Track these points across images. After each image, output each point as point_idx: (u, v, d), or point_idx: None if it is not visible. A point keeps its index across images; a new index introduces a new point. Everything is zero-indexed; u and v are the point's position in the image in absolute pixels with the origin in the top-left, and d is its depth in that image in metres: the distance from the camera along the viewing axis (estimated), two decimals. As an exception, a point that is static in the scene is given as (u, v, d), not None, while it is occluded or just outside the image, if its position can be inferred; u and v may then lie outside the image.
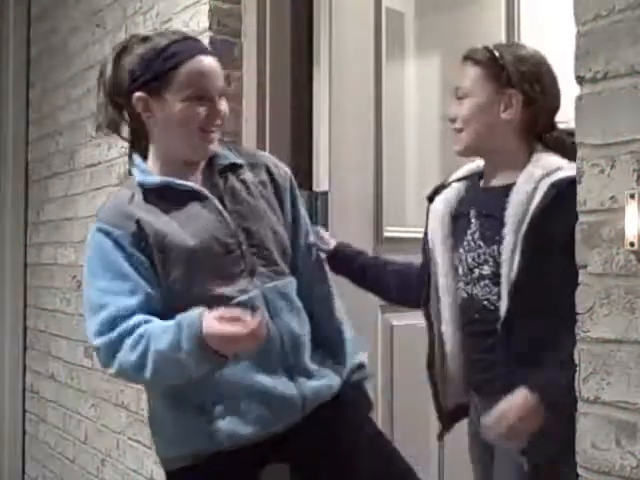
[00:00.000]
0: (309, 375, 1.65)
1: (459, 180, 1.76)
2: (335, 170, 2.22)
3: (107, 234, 1.56)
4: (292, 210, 1.74)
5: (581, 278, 1.17)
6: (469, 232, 1.64)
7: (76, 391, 3.04)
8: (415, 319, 2.45)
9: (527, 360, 1.49)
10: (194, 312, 1.47)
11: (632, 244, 1.08)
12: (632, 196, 1.08)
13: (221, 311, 1.45)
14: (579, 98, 1.18)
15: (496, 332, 1.55)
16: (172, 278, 1.57)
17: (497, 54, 1.62)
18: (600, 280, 1.14)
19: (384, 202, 2.35)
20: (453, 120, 1.67)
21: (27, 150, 3.63)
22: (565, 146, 1.56)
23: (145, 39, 1.64)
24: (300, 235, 1.76)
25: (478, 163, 1.75)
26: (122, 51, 1.64)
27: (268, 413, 1.58)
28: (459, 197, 1.73)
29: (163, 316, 1.54)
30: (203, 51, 1.64)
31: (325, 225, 2.18)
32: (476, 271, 1.61)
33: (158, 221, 1.58)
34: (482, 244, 1.61)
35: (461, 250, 1.65)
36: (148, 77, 1.59)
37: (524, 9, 2.73)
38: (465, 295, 1.64)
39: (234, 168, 1.69)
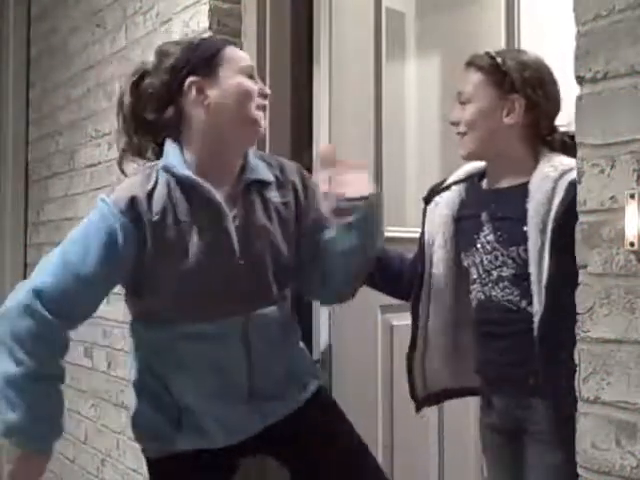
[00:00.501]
0: (273, 398, 1.67)
1: (458, 182, 1.77)
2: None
3: (112, 215, 1.52)
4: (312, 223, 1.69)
5: (581, 278, 1.17)
6: (482, 235, 1.65)
7: (76, 391, 3.04)
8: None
9: (559, 359, 1.50)
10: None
11: (632, 244, 1.08)
12: (632, 196, 1.08)
13: None
14: (579, 98, 1.18)
15: (517, 333, 1.56)
16: (162, 280, 1.55)
17: (500, 60, 1.64)
18: (600, 280, 1.14)
19: (384, 202, 2.34)
20: (456, 124, 1.68)
21: (27, 150, 3.63)
22: (567, 147, 1.58)
23: (177, 42, 1.68)
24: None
25: (475, 165, 1.76)
26: (147, 70, 1.63)
27: (226, 435, 1.63)
28: (460, 199, 1.74)
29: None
30: (232, 44, 1.67)
31: (325, 225, 2.18)
32: (494, 273, 1.62)
33: (171, 220, 1.54)
34: (498, 246, 1.62)
35: (474, 253, 1.66)
36: (198, 59, 1.58)
37: (524, 9, 2.73)
38: (482, 297, 1.65)
39: (261, 185, 1.65)
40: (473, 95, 1.65)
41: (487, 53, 1.68)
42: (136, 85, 1.62)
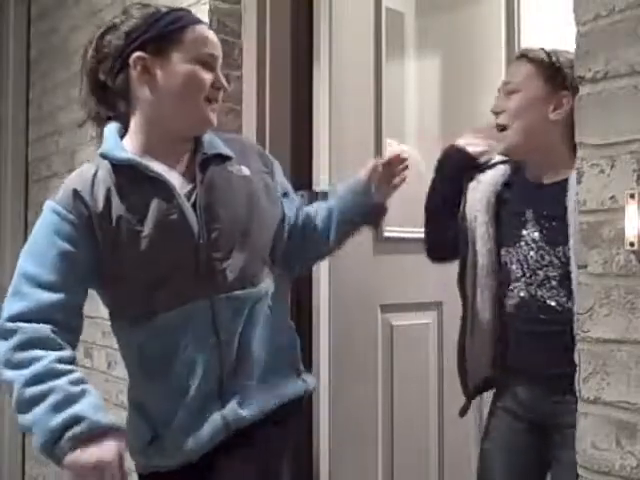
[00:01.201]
0: (243, 398, 1.50)
1: (504, 162, 1.77)
2: (335, 170, 2.22)
3: (57, 214, 1.45)
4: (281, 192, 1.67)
5: (581, 278, 1.17)
6: (526, 232, 1.65)
7: (76, 391, 3.04)
8: (415, 319, 2.46)
9: None
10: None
11: (632, 244, 1.08)
12: (632, 196, 1.08)
13: None
14: (579, 98, 1.18)
15: (559, 332, 1.53)
16: (118, 269, 1.47)
17: (554, 57, 1.65)
18: (600, 280, 1.14)
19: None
20: (498, 113, 1.68)
21: (27, 150, 3.62)
22: None
23: (145, 5, 1.54)
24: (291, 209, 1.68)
25: None
26: (114, 24, 1.52)
27: (199, 447, 1.48)
28: (504, 179, 1.74)
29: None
30: (203, 23, 1.55)
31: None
32: (540, 273, 1.62)
33: (116, 206, 1.45)
34: (544, 245, 1.62)
35: (518, 250, 1.66)
36: (152, 34, 1.47)
37: (524, 9, 2.74)
38: (526, 295, 1.65)
39: (220, 160, 1.55)
40: (522, 85, 1.66)
41: (541, 48, 1.68)
42: (101, 39, 1.52)
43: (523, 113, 1.65)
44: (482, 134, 1.79)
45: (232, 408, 1.49)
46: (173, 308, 1.47)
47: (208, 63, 1.50)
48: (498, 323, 1.73)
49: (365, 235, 2.26)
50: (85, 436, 1.31)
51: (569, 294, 1.57)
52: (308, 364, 2.20)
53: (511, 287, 1.68)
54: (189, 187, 1.51)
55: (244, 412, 1.50)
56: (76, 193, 1.45)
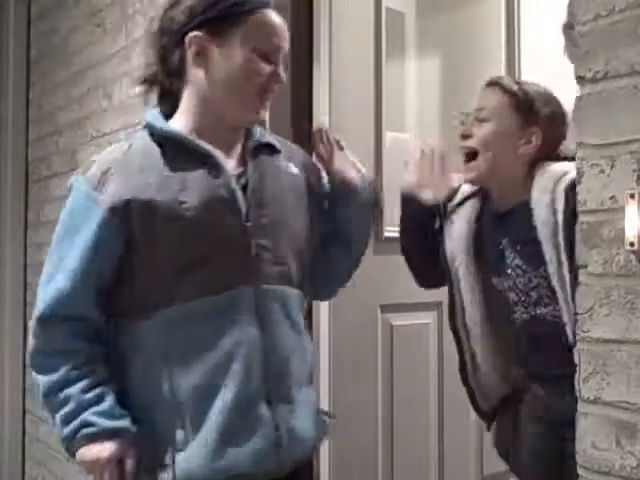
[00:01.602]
0: (291, 405, 1.39)
1: (469, 197, 1.78)
2: (335, 170, 2.22)
3: (86, 195, 1.37)
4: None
5: (581, 278, 1.17)
6: (508, 260, 1.67)
7: (76, 391, 3.04)
8: (415, 319, 2.47)
9: None
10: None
11: (632, 244, 1.08)
12: (632, 196, 1.08)
13: None
14: (579, 98, 1.18)
15: (563, 343, 1.52)
16: (148, 252, 1.35)
17: (527, 90, 1.66)
18: (600, 280, 1.14)
19: (384, 202, 2.34)
20: (466, 137, 1.68)
21: (27, 150, 3.63)
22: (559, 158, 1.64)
23: None
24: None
25: None
26: None
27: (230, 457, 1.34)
28: (476, 214, 1.75)
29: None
30: (273, 8, 1.45)
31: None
32: (533, 294, 1.65)
33: (153, 185, 1.35)
34: (528, 269, 1.64)
35: (507, 279, 1.68)
36: (214, 14, 1.37)
37: (524, 9, 2.74)
38: (528, 317, 1.67)
39: (270, 151, 1.49)
40: (495, 115, 1.67)
41: (514, 80, 1.72)
42: (166, 11, 1.43)
43: (493, 144, 1.66)
44: (429, 166, 1.76)
45: (283, 415, 1.37)
46: (217, 292, 1.35)
47: (269, 54, 1.41)
48: (502, 354, 1.76)
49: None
50: (91, 437, 1.35)
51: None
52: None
53: (513, 311, 1.70)
54: (239, 170, 1.42)
55: (298, 427, 1.38)
56: (109, 171, 1.36)
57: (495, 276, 1.72)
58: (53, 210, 3.34)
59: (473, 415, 2.05)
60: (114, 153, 1.42)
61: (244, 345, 1.35)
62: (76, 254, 1.37)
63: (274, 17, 1.44)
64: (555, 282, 1.56)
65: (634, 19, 1.09)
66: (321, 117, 2.24)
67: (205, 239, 1.35)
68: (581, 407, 1.17)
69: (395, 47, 2.47)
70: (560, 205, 1.53)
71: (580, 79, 1.17)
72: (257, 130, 1.50)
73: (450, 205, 1.79)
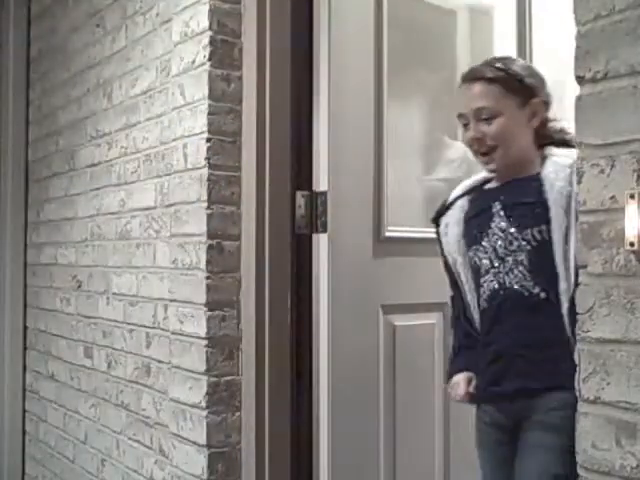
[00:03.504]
0: None
1: (458, 198, 1.83)
2: (335, 170, 2.22)
3: None
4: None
5: (581, 278, 1.17)
6: (493, 225, 1.69)
7: (76, 391, 3.04)
8: (417, 319, 2.46)
9: None
10: None
11: (632, 244, 1.08)
12: (632, 196, 1.08)
13: None
14: (579, 98, 1.18)
15: (524, 317, 1.60)
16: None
17: (510, 69, 1.70)
18: (600, 280, 1.14)
19: (384, 202, 2.34)
20: (479, 140, 1.71)
21: (27, 150, 3.63)
22: (567, 142, 1.67)
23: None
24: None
25: (473, 178, 1.84)
26: None
27: None
28: (464, 213, 1.80)
29: None
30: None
31: (325, 225, 2.18)
32: (509, 259, 1.66)
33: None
34: (514, 231, 1.66)
35: (485, 244, 1.70)
36: None
37: (535, 13, 2.74)
38: (496, 285, 1.69)
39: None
40: (498, 109, 1.69)
41: (489, 64, 1.72)
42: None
43: (510, 134, 1.70)
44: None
45: None
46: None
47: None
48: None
49: (365, 235, 2.26)
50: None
51: (536, 279, 1.62)
52: (308, 366, 2.20)
53: (482, 282, 1.71)
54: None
55: None
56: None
57: (470, 246, 1.74)
58: (53, 210, 3.34)
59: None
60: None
61: None
62: None
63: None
64: (557, 250, 1.58)
65: (634, 19, 1.09)
66: (321, 117, 2.24)
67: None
68: (581, 407, 1.17)
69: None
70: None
71: (580, 79, 1.17)
72: None
73: (441, 210, 1.85)
